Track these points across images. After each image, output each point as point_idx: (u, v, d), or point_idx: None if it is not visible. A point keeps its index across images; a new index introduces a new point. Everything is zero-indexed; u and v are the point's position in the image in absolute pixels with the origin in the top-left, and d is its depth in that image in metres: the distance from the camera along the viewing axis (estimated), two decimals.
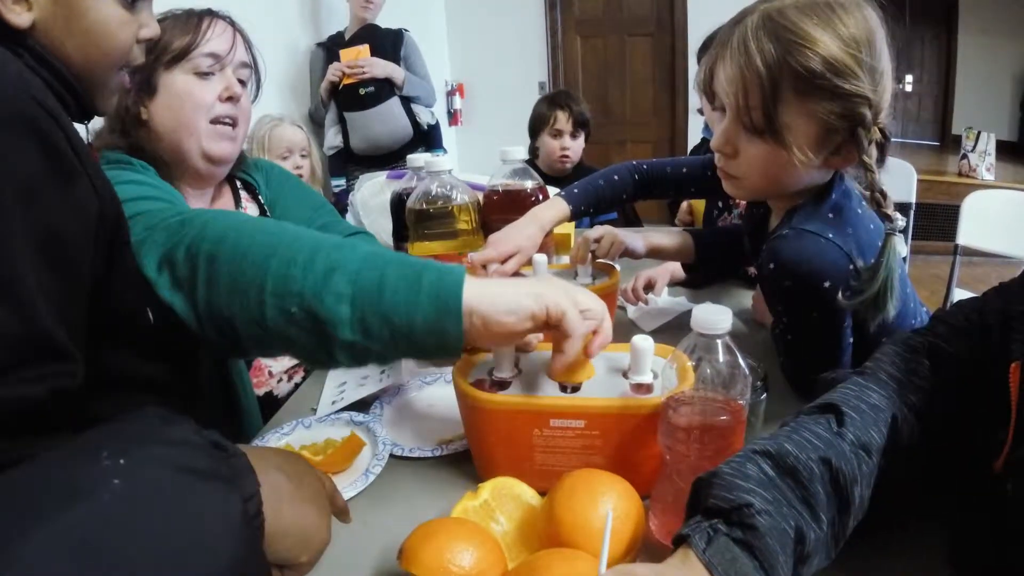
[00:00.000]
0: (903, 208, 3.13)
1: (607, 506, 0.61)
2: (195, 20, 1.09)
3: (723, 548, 0.50)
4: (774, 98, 0.83)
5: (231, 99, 1.11)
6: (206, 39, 1.08)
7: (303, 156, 2.43)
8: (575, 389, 0.75)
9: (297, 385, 1.21)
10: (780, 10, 0.83)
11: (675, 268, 1.38)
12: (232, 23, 1.14)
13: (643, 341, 0.72)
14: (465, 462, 0.83)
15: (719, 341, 0.64)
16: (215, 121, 1.10)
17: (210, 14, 1.12)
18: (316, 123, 3.24)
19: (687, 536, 0.52)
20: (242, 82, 1.14)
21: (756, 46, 0.83)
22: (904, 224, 0.84)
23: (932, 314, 0.74)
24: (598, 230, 1.21)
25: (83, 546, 0.36)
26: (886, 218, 0.82)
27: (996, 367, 0.61)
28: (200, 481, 0.43)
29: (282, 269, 0.60)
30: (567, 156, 2.47)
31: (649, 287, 1.33)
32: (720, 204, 1.73)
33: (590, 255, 1.17)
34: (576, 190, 1.22)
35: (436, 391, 1.03)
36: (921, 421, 0.64)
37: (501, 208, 1.25)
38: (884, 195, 0.84)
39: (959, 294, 2.56)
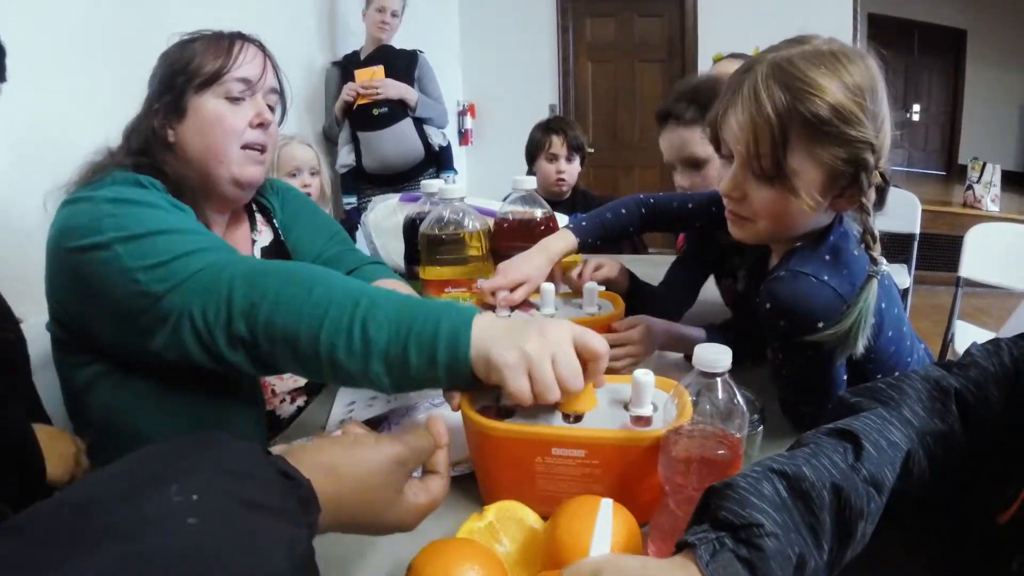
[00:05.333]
0: (907, 239, 3.17)
1: (607, 508, 0.65)
2: (226, 44, 1.08)
3: (726, 563, 0.50)
4: (783, 144, 0.86)
5: (261, 125, 1.10)
6: (238, 64, 1.07)
7: (312, 174, 2.42)
8: (577, 419, 0.78)
9: (300, 408, 1.21)
10: (788, 59, 0.87)
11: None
12: (262, 47, 1.13)
13: (644, 375, 0.75)
14: (470, 485, 0.85)
15: (719, 379, 0.67)
16: (246, 147, 1.08)
17: (241, 38, 1.10)
18: (330, 141, 3.29)
19: (692, 545, 0.51)
20: (270, 108, 1.13)
21: (767, 94, 0.86)
22: (887, 270, 0.87)
23: (968, 351, 0.73)
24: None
25: None
26: (872, 260, 0.86)
27: (1020, 426, 0.62)
28: (273, 518, 0.44)
29: (329, 350, 0.75)
30: (563, 179, 2.53)
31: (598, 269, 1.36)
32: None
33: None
34: (584, 222, 1.25)
35: (444, 414, 1.05)
36: (932, 463, 0.64)
37: (511, 236, 1.28)
38: (874, 238, 0.87)
39: (960, 326, 2.57)
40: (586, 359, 0.74)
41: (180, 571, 0.37)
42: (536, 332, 0.73)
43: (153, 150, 1.04)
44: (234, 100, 1.07)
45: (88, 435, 1.01)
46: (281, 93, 1.17)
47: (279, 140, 2.29)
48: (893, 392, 0.68)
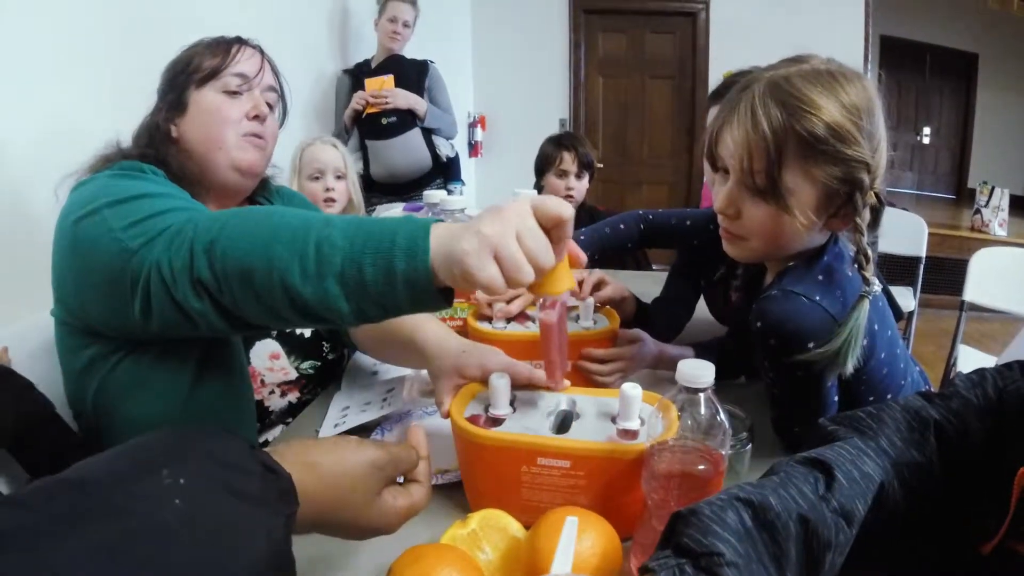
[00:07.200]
0: (913, 262, 3.16)
1: (571, 525, 0.64)
2: (225, 45, 1.13)
3: None
4: (779, 162, 0.86)
5: (258, 117, 1.13)
6: (236, 61, 1.12)
7: (338, 178, 2.21)
8: (564, 429, 0.78)
9: (291, 403, 1.23)
10: (786, 78, 0.87)
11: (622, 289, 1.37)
12: (260, 50, 1.18)
13: (632, 389, 0.76)
14: (459, 492, 0.87)
15: (702, 395, 0.68)
16: (243, 136, 1.12)
17: (239, 41, 1.15)
18: None
19: (653, 570, 0.52)
20: (269, 106, 1.17)
21: (763, 111, 0.86)
22: (879, 291, 0.88)
23: (952, 381, 0.72)
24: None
25: (132, 556, 0.39)
26: (864, 280, 0.86)
27: (1002, 457, 0.61)
28: (252, 505, 0.47)
29: (283, 276, 0.70)
30: (571, 196, 2.54)
31: (599, 286, 1.31)
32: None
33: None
34: (583, 237, 1.27)
35: (436, 422, 1.06)
36: (909, 494, 0.64)
37: None
38: (867, 258, 0.87)
39: (964, 351, 2.56)
40: (550, 227, 0.67)
41: (165, 548, 0.41)
42: (492, 212, 0.67)
43: (157, 144, 1.09)
44: (232, 94, 1.12)
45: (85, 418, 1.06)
46: (281, 94, 1.22)
47: (303, 142, 2.25)
48: (872, 421, 0.68)
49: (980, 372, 0.71)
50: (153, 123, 1.11)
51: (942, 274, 4.38)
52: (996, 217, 4.79)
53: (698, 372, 0.67)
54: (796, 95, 0.85)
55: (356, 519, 0.61)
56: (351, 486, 0.60)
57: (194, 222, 0.79)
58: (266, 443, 1.17)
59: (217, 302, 0.76)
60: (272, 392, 1.21)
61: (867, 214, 0.88)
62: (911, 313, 3.21)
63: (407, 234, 0.67)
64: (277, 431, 1.20)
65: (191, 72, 1.10)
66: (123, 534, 0.40)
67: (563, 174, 2.54)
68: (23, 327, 1.18)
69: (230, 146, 1.11)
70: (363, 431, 1.03)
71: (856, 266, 0.89)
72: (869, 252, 0.88)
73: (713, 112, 1.33)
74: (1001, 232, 4.74)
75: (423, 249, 0.66)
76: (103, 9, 1.86)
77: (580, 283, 1.28)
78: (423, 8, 3.26)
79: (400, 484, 0.67)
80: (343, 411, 1.11)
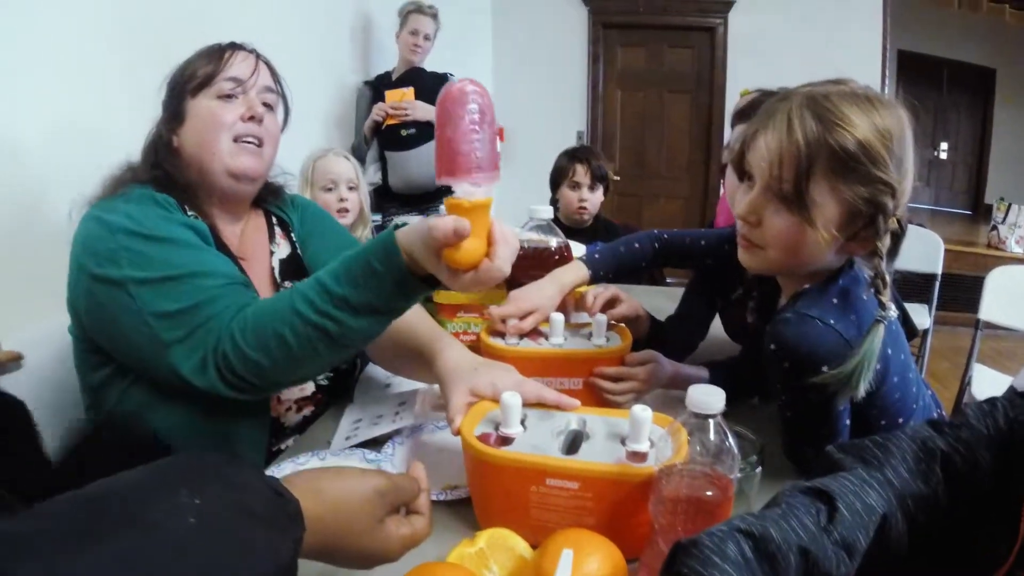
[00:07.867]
0: (929, 279, 3.14)
1: (567, 559, 0.65)
2: (218, 52, 1.14)
3: None
4: (808, 173, 0.88)
5: (253, 118, 1.13)
6: (229, 65, 1.13)
7: (350, 189, 2.23)
8: (573, 450, 0.79)
9: (306, 418, 1.23)
10: (825, 95, 0.89)
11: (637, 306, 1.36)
12: (256, 54, 1.18)
13: (642, 411, 0.77)
14: (468, 509, 0.87)
15: (711, 420, 0.68)
16: (238, 139, 1.12)
17: (232, 46, 1.16)
18: (358, 158, 3.34)
19: None
20: (268, 106, 1.17)
21: (799, 121, 0.88)
22: (895, 315, 0.88)
23: (962, 409, 0.72)
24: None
25: (145, 569, 0.41)
26: (881, 305, 0.87)
27: (1013, 486, 0.62)
28: (261, 526, 0.49)
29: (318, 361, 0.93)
30: (584, 208, 2.55)
31: (613, 304, 1.30)
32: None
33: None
34: (597, 255, 1.27)
35: (448, 437, 1.06)
36: (913, 526, 0.64)
37: (525, 264, 1.28)
38: (885, 283, 0.88)
39: (979, 370, 2.54)
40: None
41: (177, 563, 0.43)
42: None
43: (160, 157, 1.11)
44: (226, 98, 1.12)
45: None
46: (282, 95, 1.22)
47: (315, 154, 2.27)
48: (878, 451, 0.68)
49: (991, 401, 0.71)
50: (157, 135, 1.13)
51: (958, 291, 4.34)
52: (1013, 234, 4.75)
53: (708, 398, 0.67)
54: (833, 110, 0.87)
55: (360, 545, 0.62)
56: (355, 512, 0.62)
57: (227, 327, 0.91)
58: (279, 451, 1.17)
59: (263, 388, 0.95)
60: (288, 408, 1.22)
61: (888, 240, 0.89)
62: (926, 331, 3.18)
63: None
64: (290, 441, 1.21)
65: (186, 81, 1.12)
66: (138, 547, 0.42)
67: (576, 186, 2.55)
68: (39, 333, 1.19)
69: (223, 152, 1.11)
70: (374, 444, 1.04)
71: (873, 290, 0.89)
72: (887, 276, 0.88)
73: (737, 131, 1.33)
74: (1018, 249, 4.70)
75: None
76: (118, 10, 1.88)
77: (594, 298, 1.29)
78: (444, 21, 3.29)
79: (402, 515, 0.69)
80: (355, 423, 1.12)
